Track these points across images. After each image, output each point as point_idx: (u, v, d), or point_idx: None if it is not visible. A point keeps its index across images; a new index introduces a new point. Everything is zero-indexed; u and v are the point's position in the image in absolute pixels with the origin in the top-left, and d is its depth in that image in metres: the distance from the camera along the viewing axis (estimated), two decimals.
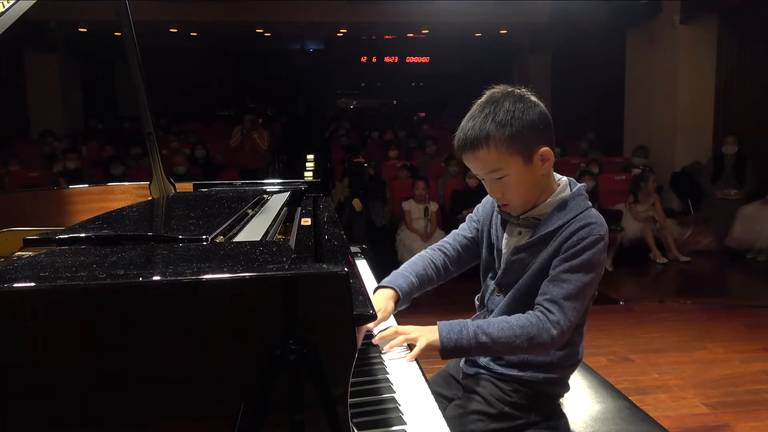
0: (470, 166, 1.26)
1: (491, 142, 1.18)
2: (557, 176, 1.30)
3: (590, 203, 1.27)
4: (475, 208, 1.45)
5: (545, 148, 1.22)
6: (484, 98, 1.24)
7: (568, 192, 1.27)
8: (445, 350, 1.18)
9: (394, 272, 1.37)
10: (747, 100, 6.86)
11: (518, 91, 1.24)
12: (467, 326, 1.19)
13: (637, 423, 1.34)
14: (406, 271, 1.36)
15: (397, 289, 1.31)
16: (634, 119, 8.03)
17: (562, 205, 1.25)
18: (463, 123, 1.24)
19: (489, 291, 1.36)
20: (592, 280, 1.20)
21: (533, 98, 1.23)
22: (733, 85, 7.01)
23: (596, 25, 8.16)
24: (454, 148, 1.27)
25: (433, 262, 1.40)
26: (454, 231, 1.47)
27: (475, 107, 1.24)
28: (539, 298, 1.21)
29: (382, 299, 1.28)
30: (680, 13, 6.98)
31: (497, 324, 1.19)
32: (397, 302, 1.30)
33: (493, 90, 1.25)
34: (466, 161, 1.25)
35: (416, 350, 1.17)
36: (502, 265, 1.31)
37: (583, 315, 1.28)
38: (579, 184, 1.30)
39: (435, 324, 1.22)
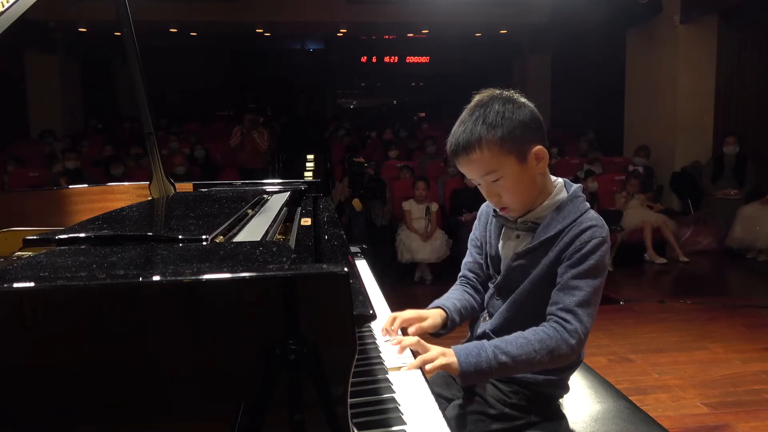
0: (465, 171, 1.25)
1: (484, 145, 1.18)
2: (553, 178, 1.29)
3: (588, 204, 1.26)
4: (473, 228, 1.44)
5: (539, 147, 1.21)
6: (472, 103, 1.25)
7: (565, 194, 1.27)
8: (465, 375, 1.13)
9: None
10: (747, 100, 6.86)
11: (506, 93, 1.24)
12: (485, 348, 1.15)
13: (637, 423, 1.34)
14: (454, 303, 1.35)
15: (448, 312, 1.31)
16: (634, 119, 8.02)
17: (561, 207, 1.24)
18: (453, 129, 1.24)
19: (489, 295, 1.35)
20: (601, 284, 1.18)
21: (522, 99, 1.24)
22: (733, 85, 7.01)
23: (596, 25, 8.16)
24: (448, 155, 1.27)
25: (469, 302, 1.38)
26: (464, 261, 1.45)
27: (464, 112, 1.24)
28: (552, 308, 1.19)
29: (432, 313, 1.29)
30: (680, 13, 6.98)
31: (514, 341, 1.15)
32: (444, 324, 1.30)
33: (481, 94, 1.25)
34: (461, 166, 1.25)
35: (433, 365, 1.12)
36: (502, 271, 1.30)
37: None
38: (575, 185, 1.29)
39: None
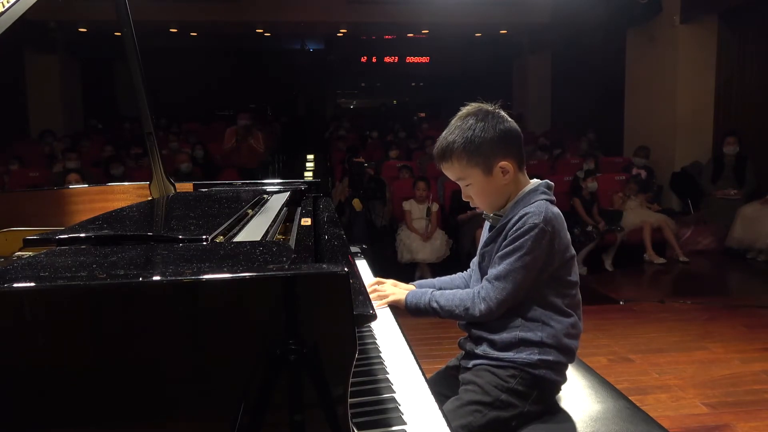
0: (445, 174, 1.42)
1: (454, 156, 1.35)
2: (535, 181, 1.39)
3: (545, 197, 1.34)
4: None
5: (504, 162, 1.33)
6: (457, 115, 1.38)
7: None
8: (408, 308, 1.43)
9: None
10: (747, 100, 6.86)
11: (488, 108, 1.36)
12: (426, 294, 1.42)
13: (637, 423, 1.34)
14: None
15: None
16: (634, 119, 8.02)
17: (518, 200, 1.36)
18: (440, 136, 1.40)
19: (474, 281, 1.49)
20: (524, 264, 1.28)
21: (502, 114, 1.36)
22: (733, 85, 7.01)
23: (596, 25, 8.16)
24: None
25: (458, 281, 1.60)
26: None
27: (451, 122, 1.39)
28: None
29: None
30: (680, 13, 6.98)
31: (447, 295, 1.39)
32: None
33: (467, 108, 1.38)
34: (442, 170, 1.42)
35: (385, 300, 1.45)
36: (477, 257, 1.46)
37: (569, 298, 1.34)
38: (541, 182, 1.39)
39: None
